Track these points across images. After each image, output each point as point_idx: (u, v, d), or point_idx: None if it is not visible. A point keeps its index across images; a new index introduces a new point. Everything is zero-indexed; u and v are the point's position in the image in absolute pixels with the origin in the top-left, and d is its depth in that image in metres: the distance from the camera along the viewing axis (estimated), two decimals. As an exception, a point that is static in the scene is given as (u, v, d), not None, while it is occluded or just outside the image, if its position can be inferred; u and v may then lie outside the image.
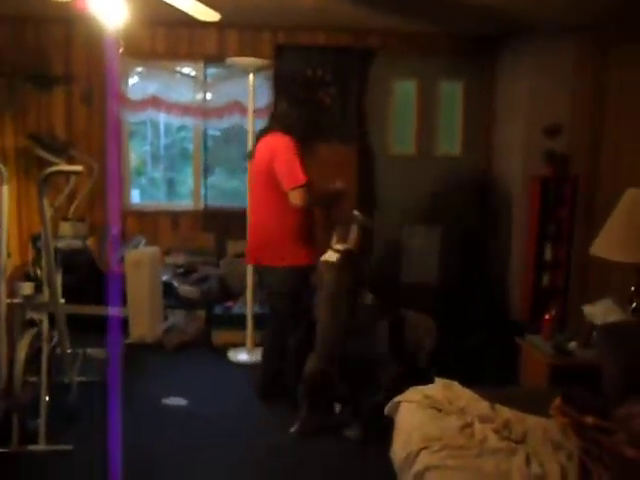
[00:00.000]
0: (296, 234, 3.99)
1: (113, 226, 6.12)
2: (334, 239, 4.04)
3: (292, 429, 3.89)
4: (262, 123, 6.13)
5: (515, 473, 2.48)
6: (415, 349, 4.72)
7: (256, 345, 5.29)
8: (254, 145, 4.23)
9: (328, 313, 3.87)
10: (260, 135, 4.20)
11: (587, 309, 4.05)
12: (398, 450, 2.93)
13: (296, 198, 3.80)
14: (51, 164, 4.69)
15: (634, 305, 3.77)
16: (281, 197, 3.87)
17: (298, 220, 3.97)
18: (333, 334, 3.85)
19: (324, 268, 3.95)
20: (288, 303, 4.10)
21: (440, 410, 3.03)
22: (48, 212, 3.64)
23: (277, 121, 4.14)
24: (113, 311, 5.43)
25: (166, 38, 6.04)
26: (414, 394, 3.20)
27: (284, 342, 4.18)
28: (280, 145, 3.93)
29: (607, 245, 3.67)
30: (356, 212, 4.08)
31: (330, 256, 3.95)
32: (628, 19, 4.84)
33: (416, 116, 6.34)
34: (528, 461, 2.56)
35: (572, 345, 3.94)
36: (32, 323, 3.75)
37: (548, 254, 5.46)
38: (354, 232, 4.04)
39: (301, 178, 3.80)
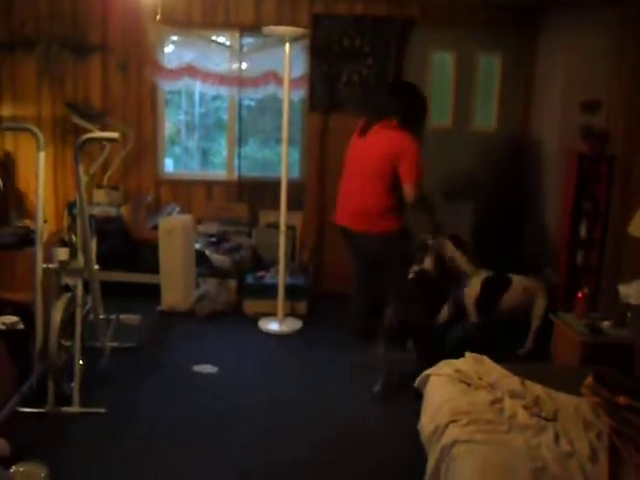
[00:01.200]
0: (390, 212, 4.18)
1: (147, 194, 6.17)
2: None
3: (375, 388, 4.10)
4: (299, 94, 6.17)
5: (544, 450, 2.47)
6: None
7: (287, 315, 5.33)
8: (361, 133, 4.29)
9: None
10: (368, 125, 4.24)
11: (622, 289, 3.99)
12: (426, 423, 2.95)
13: (410, 190, 4.06)
14: (87, 132, 4.71)
15: (670, 285, 3.72)
16: (385, 184, 4.12)
17: (393, 203, 4.17)
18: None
19: None
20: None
21: (470, 384, 3.03)
22: (83, 179, 3.68)
23: (386, 111, 4.19)
24: (146, 278, 5.50)
25: (202, 6, 6.01)
26: (444, 367, 3.20)
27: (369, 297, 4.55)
28: (407, 145, 4.05)
29: (645, 224, 3.61)
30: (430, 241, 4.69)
31: None
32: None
33: (453, 89, 6.24)
34: (557, 439, 2.55)
35: (606, 324, 3.90)
36: (67, 288, 3.81)
37: (583, 232, 5.37)
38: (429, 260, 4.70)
39: (419, 174, 4.09)
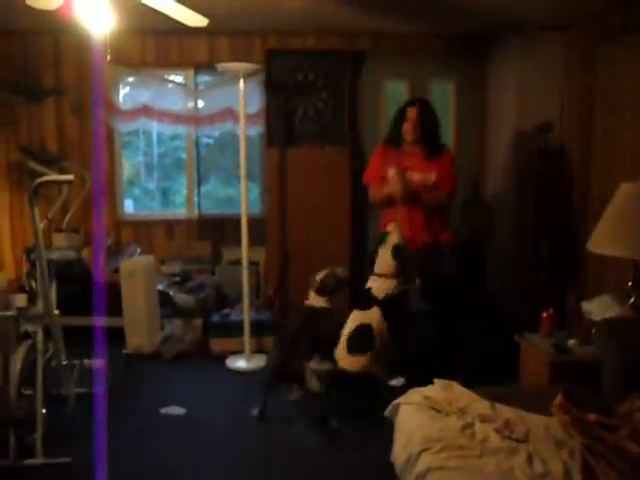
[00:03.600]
0: None
1: (107, 236, 6.10)
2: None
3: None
4: (256, 129, 6.18)
5: (517, 472, 2.45)
6: None
7: (254, 351, 5.27)
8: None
9: None
10: None
11: (585, 305, 4.03)
12: (399, 452, 2.91)
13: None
14: (43, 176, 4.65)
15: (632, 300, 3.75)
16: None
17: None
18: None
19: None
20: None
21: (440, 411, 3.00)
22: (41, 224, 3.62)
23: None
24: (109, 321, 5.40)
25: (155, 46, 6.03)
26: (414, 396, 3.17)
27: None
28: None
29: (603, 240, 3.65)
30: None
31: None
32: (613, 17, 4.84)
33: (408, 117, 6.31)
34: (530, 460, 2.53)
35: (571, 342, 3.91)
36: (27, 335, 3.72)
37: (544, 251, 5.44)
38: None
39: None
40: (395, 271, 4.01)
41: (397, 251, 4.00)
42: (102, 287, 5.48)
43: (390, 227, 4.12)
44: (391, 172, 4.37)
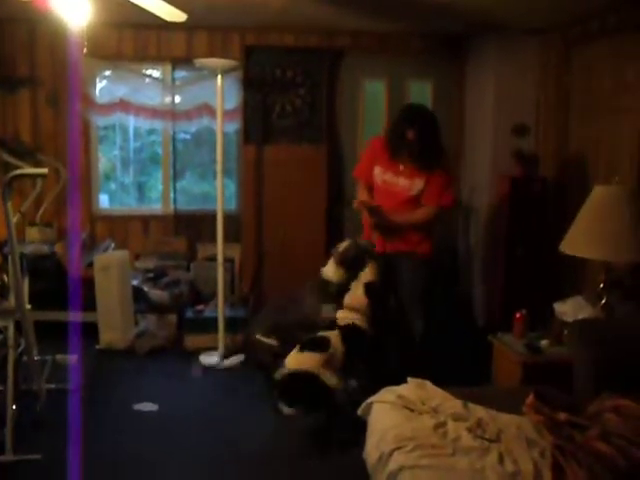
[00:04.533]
0: None
1: (81, 230, 6.04)
2: None
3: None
4: (233, 126, 6.16)
5: (489, 471, 2.47)
6: None
7: (228, 348, 5.25)
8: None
9: None
10: None
11: (558, 306, 4.07)
12: (371, 451, 2.92)
13: None
14: (17, 169, 4.60)
15: (603, 301, 3.81)
16: None
17: None
18: None
19: None
20: None
21: (413, 410, 3.01)
22: (14, 217, 3.58)
23: None
24: (83, 316, 5.36)
25: (133, 40, 5.98)
26: (387, 394, 3.18)
27: None
28: None
29: (576, 242, 3.70)
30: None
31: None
32: (590, 20, 4.89)
33: (386, 115, 6.33)
34: (502, 459, 2.55)
35: (544, 343, 3.95)
36: (-2, 330, 3.69)
37: (519, 252, 5.48)
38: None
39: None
40: (366, 309, 3.92)
41: (371, 290, 3.90)
42: (77, 281, 5.44)
43: (366, 269, 4.01)
44: (377, 170, 4.32)
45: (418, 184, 4.20)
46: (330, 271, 4.09)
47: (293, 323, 4.36)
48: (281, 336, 4.30)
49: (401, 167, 4.23)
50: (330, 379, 3.67)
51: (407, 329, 4.33)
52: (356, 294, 3.96)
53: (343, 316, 3.98)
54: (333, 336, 3.84)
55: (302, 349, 3.76)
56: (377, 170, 4.32)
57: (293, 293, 4.91)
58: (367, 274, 3.95)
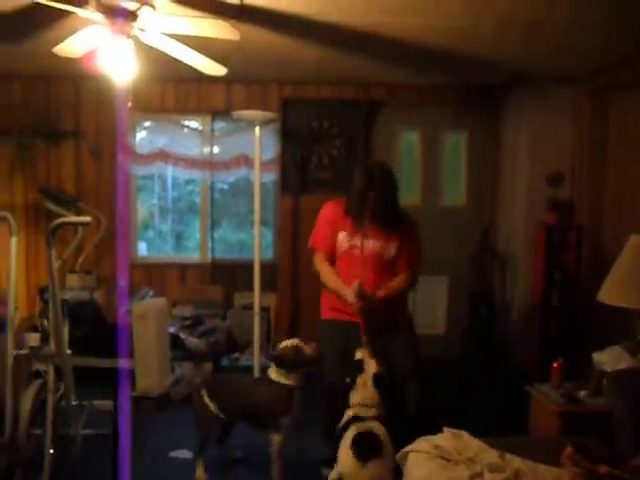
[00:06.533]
0: None
1: (120, 278, 6.14)
2: None
3: None
4: (270, 176, 6.26)
5: (526, 523, 2.43)
6: None
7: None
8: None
9: None
10: None
11: (596, 356, 4.01)
12: (407, 501, 2.89)
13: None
14: (60, 217, 4.72)
15: (643, 352, 3.75)
16: None
17: None
18: None
19: None
20: None
21: (449, 460, 2.98)
22: (55, 264, 3.66)
23: None
24: (120, 363, 5.40)
25: (174, 93, 6.16)
26: (423, 444, 3.15)
27: None
28: None
29: (614, 291, 3.66)
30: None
31: None
32: (623, 69, 4.91)
33: (421, 166, 6.40)
34: (539, 511, 2.51)
35: (582, 393, 3.89)
36: (38, 374, 3.74)
37: (555, 301, 5.44)
38: None
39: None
40: (377, 401, 3.45)
41: (379, 381, 3.49)
42: (118, 329, 5.51)
43: (360, 354, 3.55)
44: (342, 236, 3.84)
45: (391, 248, 3.82)
46: (273, 373, 3.80)
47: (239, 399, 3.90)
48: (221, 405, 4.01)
49: (368, 230, 3.78)
50: None
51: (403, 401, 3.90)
52: (364, 390, 3.48)
53: (359, 414, 3.43)
54: (378, 428, 3.31)
55: (360, 457, 3.09)
56: (342, 236, 3.84)
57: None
58: (371, 367, 3.52)
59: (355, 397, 3.47)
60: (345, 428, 3.33)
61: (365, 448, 3.13)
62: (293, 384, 3.73)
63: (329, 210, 3.95)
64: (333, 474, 3.27)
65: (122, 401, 4.93)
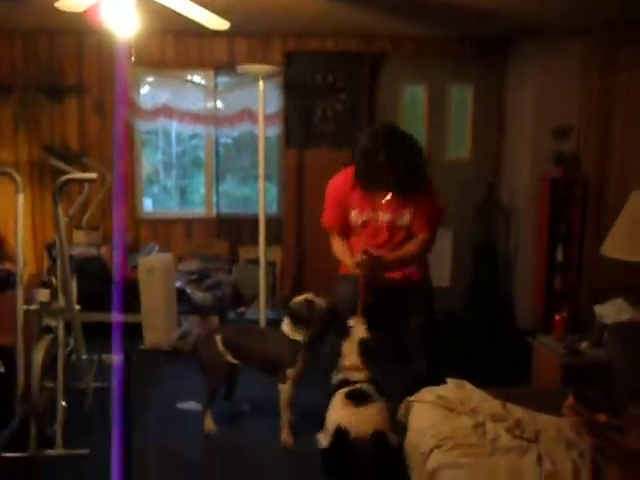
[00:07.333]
0: None
1: (126, 234, 6.18)
2: None
3: None
4: (274, 130, 6.25)
5: (527, 471, 2.50)
6: None
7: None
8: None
9: None
10: None
11: (598, 309, 4.05)
12: (411, 449, 2.96)
13: None
14: (65, 174, 4.73)
15: (645, 304, 3.79)
16: None
17: None
18: None
19: None
20: None
21: (452, 410, 3.05)
22: (62, 220, 3.69)
23: None
24: (127, 318, 5.48)
25: (176, 47, 6.11)
26: (427, 394, 3.21)
27: None
28: None
29: (617, 245, 3.68)
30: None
31: None
32: (634, 21, 4.85)
33: (426, 120, 6.36)
34: (540, 459, 2.57)
35: (584, 345, 3.95)
36: (48, 329, 3.80)
37: (559, 255, 5.46)
38: None
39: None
40: (364, 365, 3.43)
41: (365, 347, 3.47)
42: (121, 283, 5.57)
43: (352, 322, 3.53)
44: (354, 214, 3.71)
45: (404, 216, 3.65)
46: (287, 328, 3.81)
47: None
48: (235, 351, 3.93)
49: (379, 200, 3.64)
50: (394, 439, 3.12)
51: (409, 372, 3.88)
52: (352, 353, 3.47)
53: (349, 377, 3.42)
54: (368, 388, 3.29)
55: (356, 403, 3.13)
56: (354, 213, 3.72)
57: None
58: (358, 331, 3.50)
59: (344, 360, 3.46)
60: (335, 390, 3.33)
61: (357, 398, 3.17)
62: (300, 339, 3.76)
63: (335, 187, 3.79)
64: (324, 440, 3.17)
65: (130, 355, 5.02)
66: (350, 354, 3.47)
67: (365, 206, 3.68)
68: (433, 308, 3.90)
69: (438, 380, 3.37)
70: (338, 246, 3.83)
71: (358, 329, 3.50)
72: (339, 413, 3.15)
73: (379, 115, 6.33)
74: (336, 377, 3.44)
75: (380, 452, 3.02)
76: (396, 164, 3.47)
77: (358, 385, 3.29)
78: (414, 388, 3.36)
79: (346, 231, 3.83)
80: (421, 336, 3.80)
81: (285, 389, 3.79)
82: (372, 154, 3.45)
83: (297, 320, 3.77)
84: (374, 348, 3.49)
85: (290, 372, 3.78)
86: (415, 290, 3.80)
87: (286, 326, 3.82)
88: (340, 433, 3.02)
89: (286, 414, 3.85)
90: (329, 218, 3.86)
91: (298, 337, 3.77)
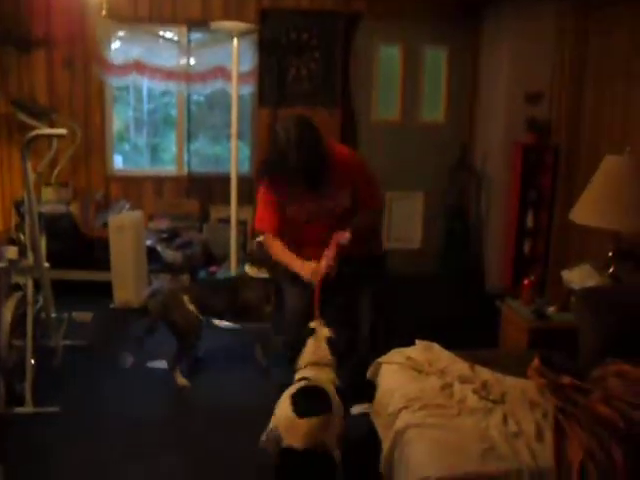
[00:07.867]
0: None
1: (96, 191, 6.11)
2: None
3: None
4: (248, 89, 6.17)
5: (492, 431, 2.55)
6: None
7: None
8: None
9: None
10: None
11: (565, 274, 4.11)
12: (379, 410, 3.01)
13: None
14: (33, 129, 4.65)
15: (611, 270, 3.85)
16: None
17: None
18: None
19: None
20: None
21: (420, 371, 3.09)
22: (31, 177, 3.64)
23: None
24: (97, 276, 5.45)
25: (149, 1, 5.98)
26: (395, 356, 3.25)
27: None
28: None
29: (586, 211, 3.73)
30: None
31: None
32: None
33: (400, 82, 6.33)
34: (505, 420, 2.63)
35: (551, 309, 4.01)
36: (17, 287, 3.77)
37: (529, 221, 5.51)
38: None
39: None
40: (331, 361, 3.14)
41: (332, 344, 3.22)
42: (90, 241, 5.53)
43: (313, 324, 3.27)
44: (291, 209, 3.45)
45: (344, 198, 3.44)
46: (250, 270, 4.23)
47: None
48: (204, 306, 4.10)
49: (306, 195, 3.36)
50: (338, 454, 2.63)
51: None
52: (318, 350, 3.19)
53: (314, 375, 3.03)
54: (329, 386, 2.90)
55: (299, 411, 2.60)
56: (291, 209, 3.46)
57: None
58: (323, 331, 3.27)
59: (307, 358, 3.17)
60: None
61: (305, 403, 2.71)
62: (267, 277, 4.11)
63: (265, 189, 3.46)
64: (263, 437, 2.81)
65: (99, 313, 5.01)
66: (315, 351, 3.17)
67: (303, 200, 3.41)
68: (385, 274, 3.90)
69: (391, 343, 3.41)
70: (278, 250, 3.49)
71: (321, 330, 3.37)
72: (281, 416, 2.70)
73: (353, 75, 6.29)
74: (295, 377, 3.07)
75: (312, 467, 2.63)
76: (309, 163, 3.18)
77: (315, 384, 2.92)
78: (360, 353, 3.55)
79: (282, 230, 3.51)
80: (370, 302, 3.71)
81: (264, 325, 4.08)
82: (286, 156, 3.15)
83: (255, 261, 4.17)
84: (339, 345, 3.40)
85: (267, 308, 4.07)
86: (369, 259, 3.68)
87: (250, 269, 4.18)
88: (275, 437, 2.68)
89: (265, 348, 4.24)
90: (261, 220, 3.53)
91: (263, 274, 4.12)
